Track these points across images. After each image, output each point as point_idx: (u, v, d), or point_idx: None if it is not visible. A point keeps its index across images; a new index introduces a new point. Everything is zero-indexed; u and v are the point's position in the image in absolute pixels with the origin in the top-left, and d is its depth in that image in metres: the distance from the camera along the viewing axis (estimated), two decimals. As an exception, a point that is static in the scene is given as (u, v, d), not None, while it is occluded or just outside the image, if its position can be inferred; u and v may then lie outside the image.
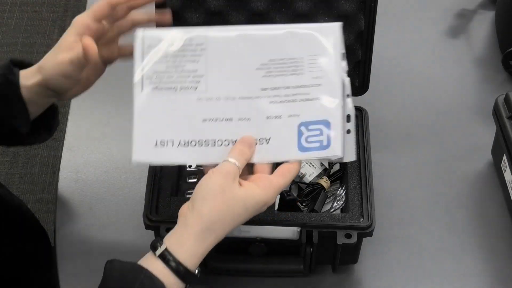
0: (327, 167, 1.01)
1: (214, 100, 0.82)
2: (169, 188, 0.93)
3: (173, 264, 0.76)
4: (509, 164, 1.00)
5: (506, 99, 1.01)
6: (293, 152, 0.82)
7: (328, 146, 0.82)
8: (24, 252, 1.08)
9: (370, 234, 0.90)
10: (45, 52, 0.89)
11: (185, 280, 0.76)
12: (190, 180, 0.98)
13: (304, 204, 0.97)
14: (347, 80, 0.82)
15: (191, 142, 0.83)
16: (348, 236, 0.88)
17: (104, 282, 0.76)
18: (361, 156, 0.96)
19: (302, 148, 0.82)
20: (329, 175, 1.00)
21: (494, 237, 1.01)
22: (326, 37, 0.82)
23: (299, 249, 0.90)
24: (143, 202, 0.91)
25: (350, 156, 0.83)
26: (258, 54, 0.83)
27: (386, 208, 1.01)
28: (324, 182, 0.98)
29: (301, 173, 1.00)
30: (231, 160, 0.79)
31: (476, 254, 0.99)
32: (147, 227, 0.90)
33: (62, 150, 1.10)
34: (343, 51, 0.82)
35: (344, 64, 0.82)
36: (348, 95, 0.82)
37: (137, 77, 0.83)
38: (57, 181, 1.06)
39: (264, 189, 0.79)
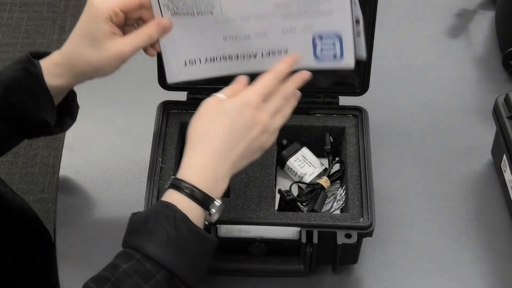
0: (327, 167, 1.01)
1: (230, 21, 0.88)
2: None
3: (175, 182, 0.79)
4: (509, 164, 1.00)
5: (506, 99, 1.01)
6: (310, 60, 0.91)
7: (341, 58, 0.91)
8: (25, 252, 1.07)
9: (370, 234, 0.90)
10: (45, 52, 0.89)
11: (201, 199, 0.78)
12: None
13: (304, 204, 0.97)
14: None
15: (216, 57, 0.90)
16: (348, 236, 0.88)
17: (127, 230, 0.78)
18: (361, 156, 0.96)
19: (317, 58, 0.91)
20: (329, 175, 1.00)
21: (494, 237, 1.01)
22: None
23: (299, 249, 0.90)
24: (143, 202, 0.91)
25: (361, 54, 0.91)
26: None
27: (386, 208, 1.01)
28: (324, 182, 0.98)
29: (301, 173, 1.00)
30: (218, 95, 0.84)
31: (476, 254, 0.99)
32: (147, 227, 0.90)
33: (62, 150, 1.10)
34: None
35: None
36: (355, 1, 0.87)
37: (155, 6, 0.87)
38: (57, 181, 1.06)
39: (241, 93, 0.83)
